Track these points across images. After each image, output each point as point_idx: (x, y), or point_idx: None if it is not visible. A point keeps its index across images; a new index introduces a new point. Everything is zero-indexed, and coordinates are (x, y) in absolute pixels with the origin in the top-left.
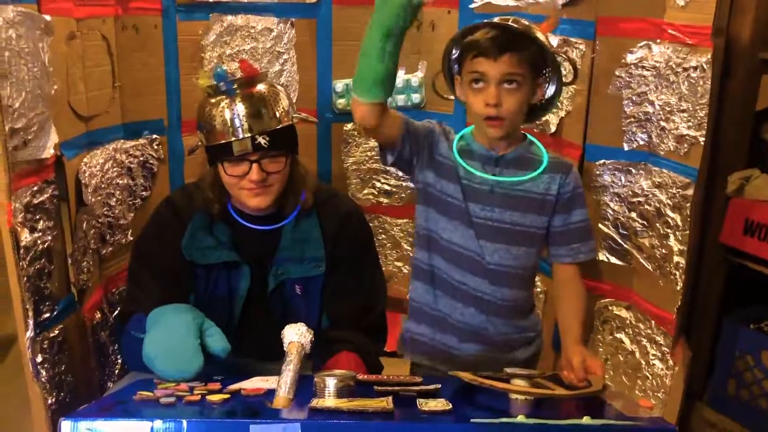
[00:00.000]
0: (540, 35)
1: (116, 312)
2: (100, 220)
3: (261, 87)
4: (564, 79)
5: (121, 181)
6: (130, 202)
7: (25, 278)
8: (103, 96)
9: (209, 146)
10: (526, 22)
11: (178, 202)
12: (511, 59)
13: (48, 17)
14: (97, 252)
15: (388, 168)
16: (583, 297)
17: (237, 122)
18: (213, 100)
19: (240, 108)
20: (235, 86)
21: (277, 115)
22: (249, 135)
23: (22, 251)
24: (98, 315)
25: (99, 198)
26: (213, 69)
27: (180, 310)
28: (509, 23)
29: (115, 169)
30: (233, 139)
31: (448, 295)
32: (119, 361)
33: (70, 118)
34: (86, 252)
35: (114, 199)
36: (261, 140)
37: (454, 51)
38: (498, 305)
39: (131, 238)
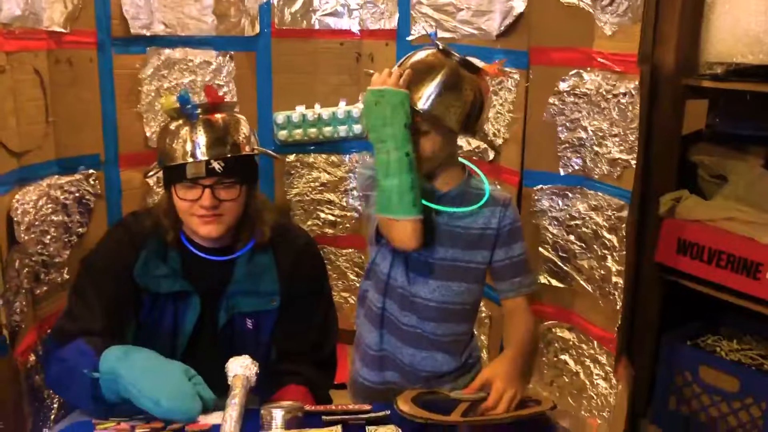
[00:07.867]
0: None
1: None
2: (33, 259)
3: (223, 114)
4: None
5: (56, 218)
6: (66, 239)
7: None
8: (35, 131)
9: (164, 167)
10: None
11: (132, 227)
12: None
13: None
14: (30, 292)
15: (331, 198)
16: (526, 326)
17: (194, 145)
18: (173, 123)
19: (199, 132)
20: (198, 111)
21: (237, 143)
22: (204, 159)
23: None
24: (32, 358)
25: (33, 236)
26: (178, 92)
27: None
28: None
29: (49, 205)
30: (189, 161)
31: (393, 335)
32: (55, 405)
33: (1, 154)
34: (18, 292)
35: (48, 237)
36: (216, 165)
37: None
38: (439, 341)
39: (67, 277)
